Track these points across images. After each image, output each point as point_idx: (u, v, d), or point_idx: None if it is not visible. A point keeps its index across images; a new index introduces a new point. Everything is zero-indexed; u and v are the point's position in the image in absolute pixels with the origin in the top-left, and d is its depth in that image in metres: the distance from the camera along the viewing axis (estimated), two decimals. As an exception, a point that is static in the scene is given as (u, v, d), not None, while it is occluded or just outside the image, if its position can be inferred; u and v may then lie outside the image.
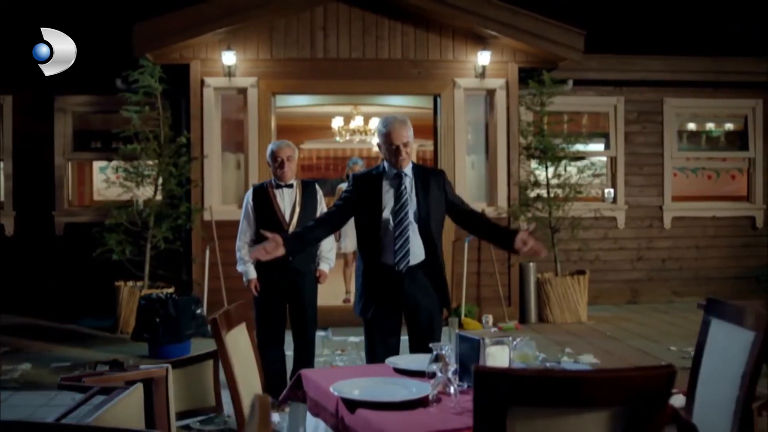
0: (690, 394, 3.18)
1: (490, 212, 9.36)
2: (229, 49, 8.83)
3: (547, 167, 9.54)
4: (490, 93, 9.40)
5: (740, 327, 2.95)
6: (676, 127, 10.85)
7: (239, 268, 5.89)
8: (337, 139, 14.37)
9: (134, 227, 8.78)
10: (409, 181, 4.39)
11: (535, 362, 3.14)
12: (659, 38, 10.94)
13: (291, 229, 5.69)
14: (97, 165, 11.32)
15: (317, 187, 6.04)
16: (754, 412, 4.32)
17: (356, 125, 13.57)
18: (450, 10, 8.96)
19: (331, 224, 4.64)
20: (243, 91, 9.09)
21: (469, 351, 2.95)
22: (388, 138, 4.31)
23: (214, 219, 8.84)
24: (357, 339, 8.11)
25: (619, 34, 10.89)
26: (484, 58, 9.13)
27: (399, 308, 4.43)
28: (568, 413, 2.00)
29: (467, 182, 9.47)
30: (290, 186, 5.81)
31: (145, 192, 8.96)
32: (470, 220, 4.53)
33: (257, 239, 5.80)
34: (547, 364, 2.90)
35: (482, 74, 9.23)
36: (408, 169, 4.41)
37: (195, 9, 8.60)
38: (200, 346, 8.06)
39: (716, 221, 10.82)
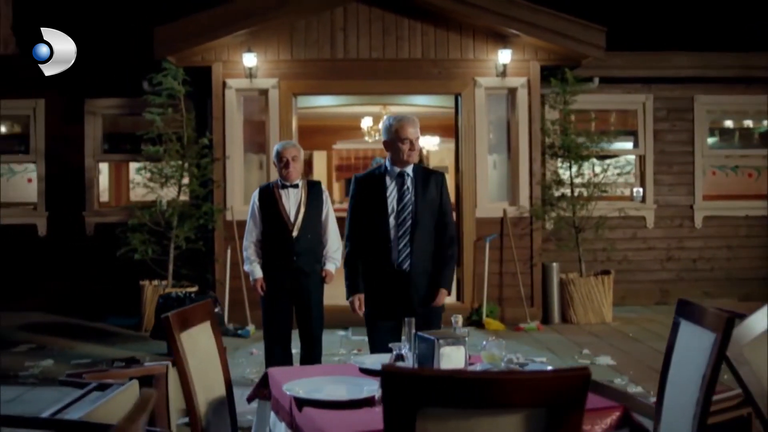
0: (659, 397, 3.12)
1: (512, 212, 9.32)
2: (249, 50, 8.92)
3: (570, 166, 9.44)
4: (512, 92, 9.33)
5: (703, 328, 2.89)
6: (707, 125, 10.61)
7: (246, 267, 5.98)
8: (367, 139, 14.42)
9: (158, 227, 8.93)
10: (410, 181, 4.42)
11: (501, 363, 3.12)
12: (687, 34, 10.73)
13: (296, 228, 5.73)
14: (133, 166, 11.54)
15: (323, 187, 6.08)
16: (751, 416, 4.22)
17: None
18: (470, 9, 8.92)
19: (362, 231, 4.59)
20: (264, 93, 9.19)
21: (427, 351, 2.94)
22: (400, 132, 4.34)
23: (235, 219, 8.95)
24: (375, 339, 8.13)
25: (646, 30, 10.72)
26: (504, 56, 9.07)
27: (400, 307, 4.43)
28: (481, 414, 1.98)
29: (489, 182, 9.42)
30: (296, 186, 5.85)
31: (169, 192, 9.11)
32: (436, 236, 4.52)
33: (263, 239, 5.87)
34: (502, 365, 2.87)
35: (503, 73, 9.16)
36: (409, 169, 4.45)
37: (212, 12, 8.72)
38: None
39: (749, 220, 10.56)
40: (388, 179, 4.42)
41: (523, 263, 9.29)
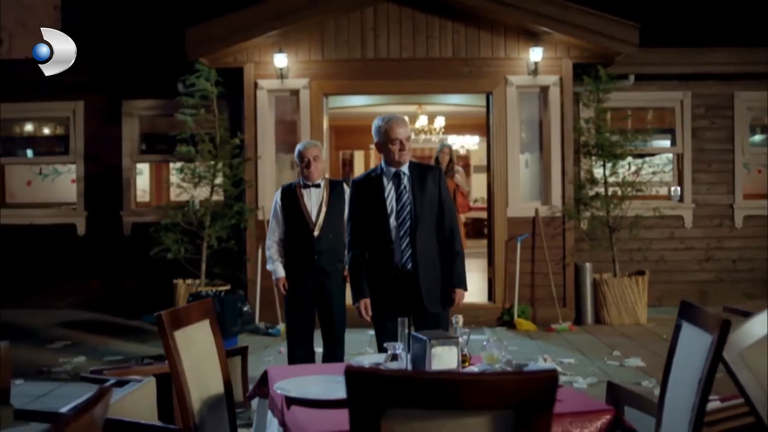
0: (660, 401, 3.06)
1: (544, 211, 9.22)
2: (280, 51, 8.99)
3: (604, 165, 9.31)
4: (544, 90, 9.24)
5: (702, 330, 2.82)
6: (747, 122, 10.36)
7: (268, 266, 6.00)
8: (403, 138, 14.38)
9: (190, 227, 9.05)
10: (407, 180, 4.41)
11: (499, 363, 3.11)
12: (726, 30, 10.48)
13: (317, 228, 5.75)
14: (173, 166, 11.71)
15: (345, 186, 6.08)
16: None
17: (421, 125, 13.58)
18: (500, 6, 8.86)
19: (363, 235, 4.63)
20: (295, 93, 9.25)
21: (420, 351, 2.92)
22: (389, 133, 4.34)
23: (266, 219, 8.97)
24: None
25: (684, 26, 10.50)
26: (536, 54, 8.98)
27: (407, 308, 4.41)
28: (447, 415, 1.97)
29: (521, 181, 9.34)
30: (317, 186, 5.87)
31: (202, 192, 9.23)
32: (442, 234, 4.46)
33: (286, 238, 5.91)
34: (497, 367, 2.85)
35: (535, 71, 9.08)
36: (405, 168, 4.43)
37: (243, 13, 8.81)
38: (245, 342, 8.25)
39: (792, 220, 10.28)
40: (385, 180, 4.41)
41: (556, 263, 9.19)
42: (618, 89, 9.36)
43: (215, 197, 9.26)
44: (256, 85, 9.18)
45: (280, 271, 5.90)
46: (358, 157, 17.77)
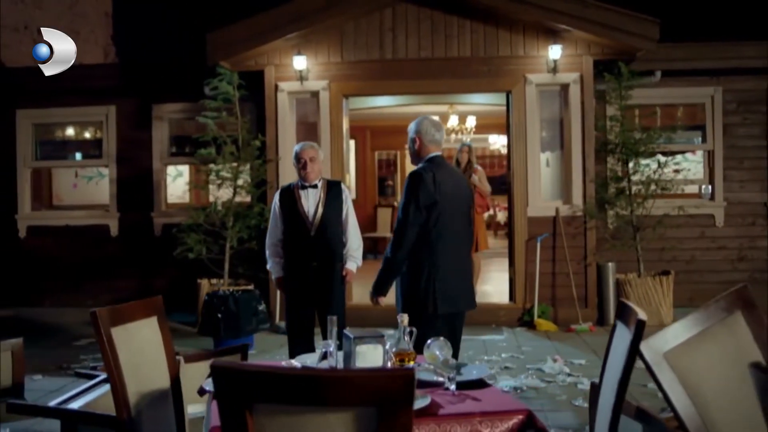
0: (594, 402, 3.04)
1: (565, 210, 9.13)
2: (299, 53, 9.10)
3: (627, 163, 9.16)
4: (564, 88, 9.14)
5: (627, 329, 2.79)
6: (781, 118, 10.05)
7: (268, 266, 6.11)
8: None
9: (213, 227, 9.24)
10: None
11: (436, 362, 3.12)
12: (757, 23, 10.17)
13: (314, 228, 5.83)
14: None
15: (343, 186, 6.14)
16: None
17: (452, 125, 13.54)
18: (519, 5, 8.81)
19: None
20: (315, 95, 9.34)
21: (348, 349, 2.96)
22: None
23: (286, 219, 9.12)
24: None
25: (712, 20, 10.23)
26: (555, 52, 8.89)
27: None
28: (312, 411, 2.00)
29: (542, 180, 9.26)
30: (315, 186, 5.95)
31: (225, 193, 9.40)
32: None
33: (284, 239, 6.00)
34: (430, 366, 2.88)
35: (554, 69, 8.99)
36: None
37: (263, 17, 8.92)
38: (263, 340, 8.40)
39: (828, 218, 9.93)
40: None
41: (577, 263, 9.08)
42: (642, 86, 9.20)
43: (238, 198, 9.42)
44: (276, 87, 9.31)
45: (279, 271, 6.00)
46: (400, 158, 17.82)
